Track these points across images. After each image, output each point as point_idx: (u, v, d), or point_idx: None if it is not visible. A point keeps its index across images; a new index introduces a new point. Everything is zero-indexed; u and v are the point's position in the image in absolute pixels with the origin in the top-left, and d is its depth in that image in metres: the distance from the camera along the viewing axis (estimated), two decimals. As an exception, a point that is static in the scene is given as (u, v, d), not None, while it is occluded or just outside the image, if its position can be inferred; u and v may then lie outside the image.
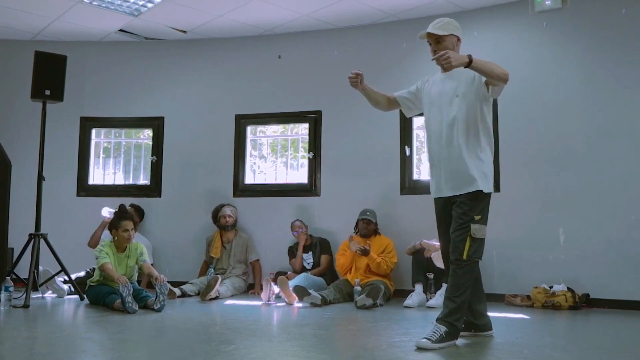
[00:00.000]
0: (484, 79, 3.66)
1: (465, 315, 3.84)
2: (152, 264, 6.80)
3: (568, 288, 5.61)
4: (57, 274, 6.01)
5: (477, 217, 3.65)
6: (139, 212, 7.16)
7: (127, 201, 7.06)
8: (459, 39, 3.85)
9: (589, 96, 5.94)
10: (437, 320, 3.65)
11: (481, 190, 3.68)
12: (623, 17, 5.82)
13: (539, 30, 6.21)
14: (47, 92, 5.93)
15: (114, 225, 5.67)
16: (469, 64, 3.47)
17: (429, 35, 3.80)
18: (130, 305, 5.03)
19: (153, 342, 4.09)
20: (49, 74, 5.96)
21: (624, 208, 5.68)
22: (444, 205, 3.87)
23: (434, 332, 3.57)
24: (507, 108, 6.20)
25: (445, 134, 3.78)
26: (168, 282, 5.53)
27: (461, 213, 3.69)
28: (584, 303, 5.60)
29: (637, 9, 5.79)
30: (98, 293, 5.45)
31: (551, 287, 5.67)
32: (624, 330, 4.66)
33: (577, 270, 5.76)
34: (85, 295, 5.71)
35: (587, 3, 6.00)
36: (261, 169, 7.58)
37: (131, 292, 5.13)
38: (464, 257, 3.63)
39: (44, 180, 5.98)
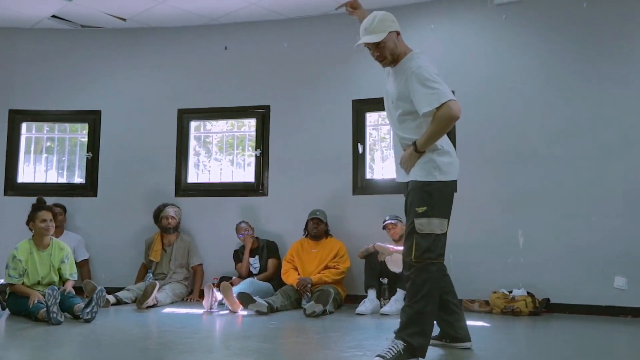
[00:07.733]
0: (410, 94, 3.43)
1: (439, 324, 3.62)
2: (87, 259, 6.67)
3: (528, 293, 5.46)
4: (-23, 281, 5.51)
5: (419, 210, 3.33)
6: (65, 211, 6.77)
7: (61, 201, 6.73)
8: (398, 33, 3.51)
9: (550, 92, 5.79)
10: (394, 335, 3.29)
11: (422, 181, 3.39)
12: (584, 10, 5.70)
13: (498, 23, 6.04)
14: (-31, 82, 5.44)
15: (30, 218, 5.22)
16: (417, 152, 3.39)
17: (367, 44, 3.52)
18: (55, 315, 4.57)
19: (79, 358, 3.72)
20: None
21: (585, 210, 5.54)
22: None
23: (390, 349, 3.19)
24: (465, 105, 5.90)
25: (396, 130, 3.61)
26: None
27: (407, 209, 3.46)
28: (544, 308, 5.44)
29: (598, 3, 5.66)
30: (20, 302, 4.97)
31: (510, 292, 5.51)
32: (585, 336, 4.52)
33: (537, 275, 5.61)
34: (5, 304, 5.22)
35: (548, -5, 5.86)
36: (206, 167, 7.19)
37: (58, 300, 4.67)
38: (412, 257, 3.30)
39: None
